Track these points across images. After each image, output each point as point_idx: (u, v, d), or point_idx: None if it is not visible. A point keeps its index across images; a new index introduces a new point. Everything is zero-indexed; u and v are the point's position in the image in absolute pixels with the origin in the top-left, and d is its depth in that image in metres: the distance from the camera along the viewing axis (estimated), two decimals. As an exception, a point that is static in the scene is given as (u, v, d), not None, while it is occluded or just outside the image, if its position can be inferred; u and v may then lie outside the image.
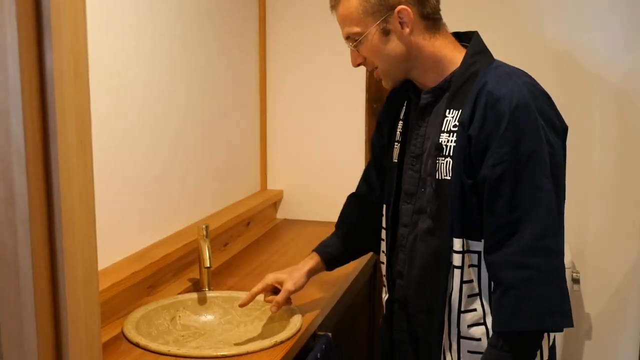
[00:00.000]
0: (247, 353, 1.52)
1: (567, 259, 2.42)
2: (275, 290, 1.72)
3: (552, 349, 1.49)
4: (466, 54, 1.46)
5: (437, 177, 1.45)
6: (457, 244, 1.41)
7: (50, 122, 0.73)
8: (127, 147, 1.84)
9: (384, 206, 1.65)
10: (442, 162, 1.43)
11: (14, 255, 0.74)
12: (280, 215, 2.86)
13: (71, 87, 0.75)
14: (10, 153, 0.72)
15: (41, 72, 0.72)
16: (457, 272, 1.42)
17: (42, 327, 0.75)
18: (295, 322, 1.67)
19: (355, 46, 1.49)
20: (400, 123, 1.60)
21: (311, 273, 1.72)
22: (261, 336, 1.72)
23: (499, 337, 1.37)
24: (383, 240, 1.66)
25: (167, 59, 2.02)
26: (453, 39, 1.51)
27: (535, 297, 1.33)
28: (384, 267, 1.67)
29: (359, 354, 2.40)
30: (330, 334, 1.77)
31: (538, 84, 1.42)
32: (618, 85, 2.50)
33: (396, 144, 1.61)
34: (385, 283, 1.67)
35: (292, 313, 1.72)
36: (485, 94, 1.36)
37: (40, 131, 0.73)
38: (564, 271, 1.37)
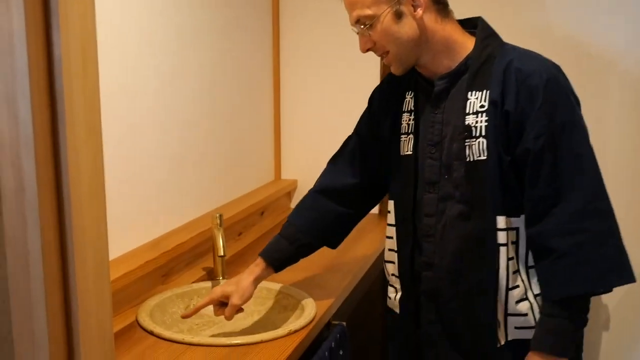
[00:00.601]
0: (261, 342, 1.52)
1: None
2: (222, 304, 1.64)
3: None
4: (477, 37, 1.48)
5: (468, 160, 1.44)
6: (501, 221, 1.43)
7: (59, 109, 0.72)
8: (141, 136, 1.83)
9: (392, 202, 1.63)
10: (473, 143, 1.43)
11: (23, 243, 0.73)
12: (295, 204, 2.84)
13: (79, 73, 0.74)
14: (18, 140, 0.71)
15: (49, 58, 0.71)
16: (503, 250, 1.44)
17: (53, 315, 0.75)
18: (310, 311, 1.66)
19: (364, 31, 1.46)
20: (407, 115, 1.58)
21: (258, 281, 1.66)
22: (275, 325, 1.71)
23: (553, 305, 1.40)
24: (390, 237, 1.64)
25: (180, 47, 2.01)
26: (458, 24, 1.52)
27: (591, 260, 1.36)
28: (393, 266, 1.65)
29: (374, 344, 2.39)
30: (344, 324, 1.77)
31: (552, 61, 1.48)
32: (634, 72, 2.45)
33: (404, 136, 1.58)
34: (399, 281, 1.64)
35: (307, 302, 1.72)
36: (514, 71, 1.40)
37: (48, 118, 0.72)
38: (618, 229, 1.39)
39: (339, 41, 2.64)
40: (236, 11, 2.38)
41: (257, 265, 1.67)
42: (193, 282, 1.89)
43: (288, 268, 1.73)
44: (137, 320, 1.62)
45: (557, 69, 1.44)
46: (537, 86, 1.37)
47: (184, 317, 1.66)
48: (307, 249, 1.73)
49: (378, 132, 1.67)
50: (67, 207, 0.74)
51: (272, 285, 1.84)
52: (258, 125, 2.63)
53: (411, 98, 1.58)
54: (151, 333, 1.56)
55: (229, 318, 1.62)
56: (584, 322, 1.42)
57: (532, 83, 1.38)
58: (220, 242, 1.87)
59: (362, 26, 1.46)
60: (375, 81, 2.65)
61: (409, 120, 1.57)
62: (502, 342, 1.49)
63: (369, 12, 1.44)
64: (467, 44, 1.48)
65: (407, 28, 1.44)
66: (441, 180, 1.50)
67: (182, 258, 1.94)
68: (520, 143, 1.39)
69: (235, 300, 1.61)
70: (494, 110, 1.40)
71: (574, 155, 1.38)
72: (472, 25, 1.52)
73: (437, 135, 1.50)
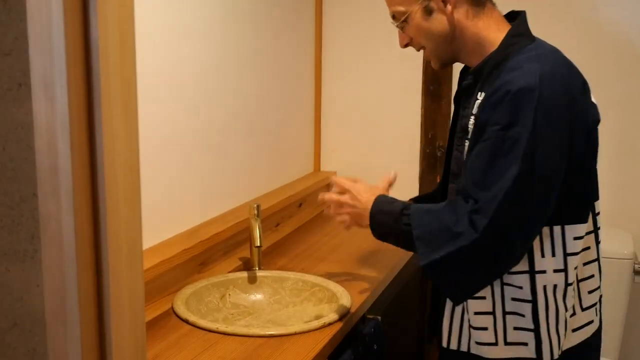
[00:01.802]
0: (295, 333, 1.52)
1: (629, 250, 2.33)
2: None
3: (574, 352, 1.45)
4: (506, 35, 1.42)
5: (465, 158, 1.44)
6: None
7: (95, 92, 0.72)
8: (180, 124, 1.84)
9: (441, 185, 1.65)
10: (466, 144, 1.43)
11: (57, 226, 0.73)
12: (333, 197, 2.83)
13: (117, 56, 0.74)
14: (54, 123, 0.71)
15: (86, 41, 0.71)
16: None
17: (85, 298, 0.75)
18: (345, 305, 1.65)
19: (400, 26, 1.48)
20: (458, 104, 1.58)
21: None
22: (310, 317, 1.70)
23: (407, 212, 1.41)
24: None
25: (221, 37, 2.02)
26: (501, 19, 1.46)
27: (436, 226, 1.35)
28: None
29: (408, 340, 2.37)
30: (379, 318, 1.75)
31: (565, 73, 1.35)
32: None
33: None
34: None
35: (342, 295, 1.71)
36: (501, 77, 1.34)
37: (84, 101, 0.72)
38: (478, 252, 1.32)
39: (382, 34, 2.62)
40: (279, 1, 2.37)
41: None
42: (229, 272, 1.89)
43: (324, 261, 1.73)
44: (172, 309, 1.63)
45: (546, 81, 1.30)
46: (504, 95, 1.30)
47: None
48: None
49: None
50: (102, 190, 0.74)
51: (308, 278, 1.83)
52: (298, 117, 2.63)
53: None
54: (186, 321, 1.57)
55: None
56: (400, 242, 1.44)
57: (502, 91, 1.31)
58: (257, 233, 1.87)
59: (397, 22, 1.48)
60: (418, 75, 2.63)
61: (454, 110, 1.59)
62: (446, 346, 1.48)
63: (401, 8, 1.46)
64: (497, 41, 1.43)
65: (437, 24, 1.44)
66: (462, 173, 1.49)
67: (219, 247, 1.95)
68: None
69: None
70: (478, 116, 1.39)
71: (498, 170, 1.30)
72: (515, 18, 1.48)
73: (462, 130, 1.49)
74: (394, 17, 1.49)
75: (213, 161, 2.02)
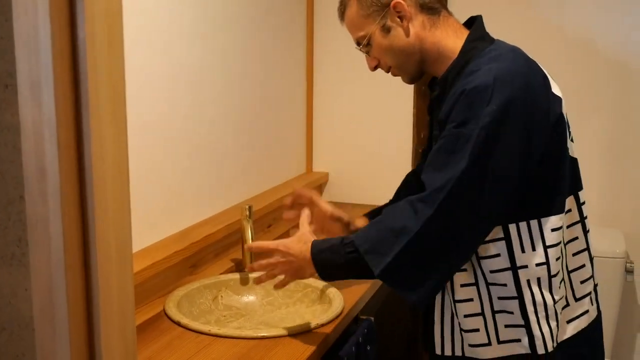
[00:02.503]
0: (288, 335, 1.51)
1: (621, 249, 2.33)
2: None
3: (566, 348, 1.43)
4: (465, 41, 1.44)
5: None
6: None
7: (82, 93, 0.71)
8: (171, 126, 1.83)
9: None
10: None
11: (45, 228, 0.72)
12: (326, 197, 2.83)
13: (104, 56, 0.73)
14: (41, 124, 0.70)
15: (73, 42, 0.70)
16: None
17: (74, 302, 0.74)
18: (337, 306, 1.64)
19: (365, 50, 1.52)
20: None
21: (352, 225, 1.71)
22: (302, 318, 1.70)
23: (349, 239, 1.43)
24: None
25: (212, 38, 2.01)
26: (458, 26, 1.48)
27: (380, 231, 1.37)
28: None
29: (401, 340, 2.36)
30: (372, 318, 1.75)
31: (523, 71, 1.35)
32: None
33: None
34: None
35: (335, 296, 1.70)
36: (460, 82, 1.36)
37: (72, 102, 0.71)
38: (418, 239, 1.32)
39: (373, 33, 2.61)
40: (270, 5, 2.36)
41: (363, 221, 1.73)
42: (221, 274, 1.89)
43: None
44: (164, 311, 1.62)
45: (503, 79, 1.30)
46: (460, 95, 1.32)
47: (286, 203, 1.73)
48: None
49: None
50: (90, 193, 0.73)
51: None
52: (290, 118, 2.62)
53: None
54: (178, 324, 1.56)
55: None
56: (348, 270, 1.43)
57: (457, 92, 1.33)
58: (249, 234, 1.86)
59: (361, 47, 1.52)
60: (409, 74, 2.62)
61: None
62: (440, 353, 1.47)
63: (361, 32, 1.50)
64: (457, 48, 1.44)
65: (397, 40, 1.46)
66: None
67: (211, 249, 1.94)
68: None
69: (325, 205, 1.71)
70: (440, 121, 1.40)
71: (448, 167, 1.31)
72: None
73: (435, 140, 1.50)
74: (358, 43, 1.52)
75: (204, 163, 2.01)
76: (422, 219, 1.31)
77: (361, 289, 1.78)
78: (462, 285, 1.40)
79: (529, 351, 1.38)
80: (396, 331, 2.25)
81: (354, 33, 1.52)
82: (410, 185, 1.79)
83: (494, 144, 1.29)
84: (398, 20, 1.45)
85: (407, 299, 1.37)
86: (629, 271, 2.37)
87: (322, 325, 1.55)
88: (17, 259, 0.77)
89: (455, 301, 1.41)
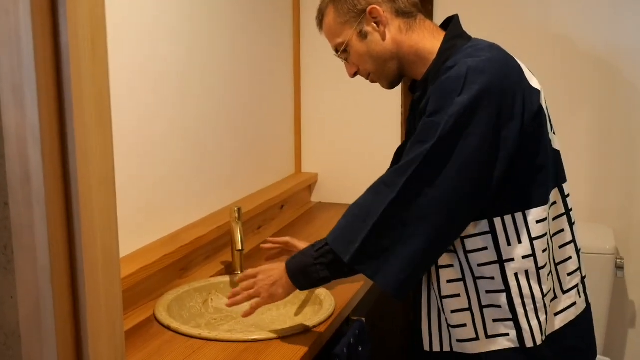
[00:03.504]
0: (279, 337, 1.50)
1: (611, 245, 2.34)
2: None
3: (554, 341, 1.43)
4: (443, 41, 1.45)
5: None
6: None
7: (66, 98, 0.70)
8: (157, 128, 1.82)
9: None
10: None
11: (30, 235, 0.71)
12: (315, 198, 2.83)
13: (88, 60, 0.72)
14: (24, 129, 0.69)
15: (56, 44, 0.69)
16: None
17: (60, 308, 0.73)
18: (328, 307, 1.63)
19: (344, 57, 1.54)
20: None
21: None
22: (293, 321, 1.69)
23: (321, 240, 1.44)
24: None
25: (199, 39, 1.99)
26: (434, 28, 1.49)
27: (346, 221, 1.40)
28: None
29: (393, 340, 2.36)
30: (364, 319, 1.74)
31: (498, 64, 1.35)
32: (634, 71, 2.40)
33: None
34: None
35: (326, 297, 1.69)
36: (439, 78, 1.36)
37: (55, 107, 0.70)
38: (383, 221, 1.34)
39: (360, 33, 2.61)
40: (256, 2, 2.35)
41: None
42: (211, 277, 1.87)
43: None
44: (154, 315, 1.61)
45: (477, 70, 1.31)
46: (436, 87, 1.34)
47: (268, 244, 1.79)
48: None
49: None
50: (75, 198, 0.72)
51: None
52: (278, 118, 2.61)
53: None
54: (168, 328, 1.54)
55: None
56: (323, 267, 1.42)
57: (436, 84, 1.35)
58: (239, 236, 1.85)
59: (339, 54, 1.54)
60: (397, 74, 2.62)
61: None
62: (429, 349, 1.47)
63: (339, 39, 1.52)
64: (435, 49, 1.45)
65: (374, 45, 1.48)
66: None
67: (200, 252, 1.93)
68: None
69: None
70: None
71: (413, 153, 1.32)
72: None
73: None
74: (336, 50, 1.54)
75: (193, 165, 2.00)
76: (386, 200, 1.33)
77: (352, 290, 1.77)
78: (448, 281, 1.41)
79: (517, 345, 1.39)
80: (388, 332, 2.25)
81: (332, 40, 1.55)
82: None
83: (461, 129, 1.30)
84: (374, 25, 1.47)
85: (382, 286, 1.37)
86: (619, 267, 2.38)
87: (314, 327, 1.55)
88: (2, 266, 0.76)
89: (441, 297, 1.42)
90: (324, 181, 2.81)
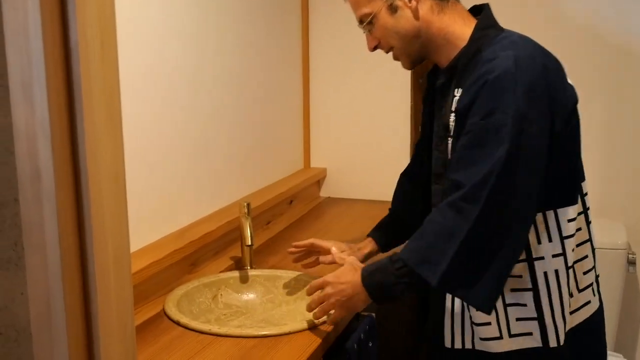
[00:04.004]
0: (289, 333, 1.50)
1: (623, 240, 2.32)
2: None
3: (571, 340, 1.42)
4: (474, 29, 1.42)
5: (449, 158, 1.42)
6: None
7: (76, 95, 0.70)
8: (167, 124, 1.81)
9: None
10: (449, 142, 1.41)
11: (40, 233, 0.71)
12: (324, 193, 2.82)
13: (97, 57, 0.71)
14: (34, 126, 0.69)
15: (65, 40, 0.69)
16: None
17: (71, 306, 0.72)
18: (338, 302, 1.63)
19: (368, 29, 1.49)
20: (435, 104, 1.57)
21: (369, 256, 1.72)
22: (303, 316, 1.68)
23: (395, 255, 1.38)
24: None
25: (208, 35, 1.99)
26: (465, 13, 1.46)
27: (427, 242, 1.33)
28: None
29: (404, 336, 2.35)
30: (374, 315, 1.74)
31: (539, 56, 1.33)
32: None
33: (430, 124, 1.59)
34: None
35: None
36: (478, 71, 1.33)
37: (65, 104, 0.70)
38: (469, 239, 1.28)
39: (369, 27, 2.60)
40: (265, 1, 2.35)
41: (370, 242, 1.74)
42: (220, 272, 1.87)
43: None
44: (164, 310, 1.61)
45: (521, 66, 1.29)
46: (482, 86, 1.29)
47: (294, 246, 1.75)
48: (409, 229, 1.73)
49: (425, 121, 1.67)
50: (85, 195, 0.71)
51: (300, 276, 1.81)
52: (287, 113, 2.61)
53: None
54: (178, 323, 1.54)
55: (326, 261, 1.68)
56: (403, 287, 1.36)
57: (480, 83, 1.30)
58: (248, 231, 1.85)
59: (363, 25, 1.49)
60: (405, 71, 2.59)
61: (430, 110, 1.58)
62: (450, 346, 1.46)
63: (366, 10, 1.47)
64: (465, 35, 1.42)
65: (404, 21, 1.44)
66: (444, 174, 1.48)
67: (210, 247, 1.93)
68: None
69: (346, 255, 1.65)
70: (458, 112, 1.37)
71: (482, 160, 1.27)
72: (480, 12, 1.48)
73: (444, 129, 1.48)
74: (361, 21, 1.49)
75: (202, 160, 2.00)
76: (470, 217, 1.26)
77: (362, 285, 1.77)
78: None
79: (540, 344, 1.37)
80: (398, 327, 2.25)
81: (358, 10, 1.49)
82: (405, 190, 1.78)
83: (526, 128, 1.26)
84: (406, 0, 1.42)
85: (472, 303, 1.32)
86: (631, 262, 2.37)
87: (324, 322, 1.54)
88: (13, 262, 0.76)
89: None
90: (332, 176, 2.80)
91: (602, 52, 2.43)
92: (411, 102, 2.62)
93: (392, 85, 2.64)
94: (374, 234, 1.76)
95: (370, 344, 1.67)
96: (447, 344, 1.45)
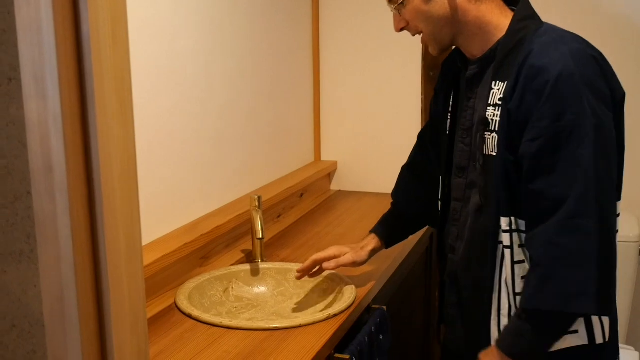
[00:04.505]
0: (300, 326, 1.50)
1: (635, 233, 2.31)
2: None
3: (613, 325, 1.40)
4: (512, 20, 1.37)
5: (484, 153, 1.39)
6: (505, 222, 1.35)
7: (88, 87, 0.70)
8: (179, 118, 1.82)
9: (441, 178, 1.61)
10: (489, 137, 1.37)
11: (53, 225, 0.71)
12: (335, 186, 2.82)
13: (109, 50, 0.71)
14: (47, 119, 0.69)
15: (77, 33, 0.69)
16: (507, 252, 1.35)
17: (84, 297, 0.73)
18: (350, 295, 1.63)
19: (397, 9, 1.43)
20: (453, 94, 1.55)
21: (373, 252, 1.70)
22: (314, 309, 1.69)
23: (523, 311, 1.32)
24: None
25: (219, 28, 1.99)
26: (501, 3, 1.42)
27: (560, 278, 1.25)
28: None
29: (415, 328, 2.35)
30: (385, 308, 1.74)
31: (589, 50, 1.31)
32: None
33: (449, 115, 1.55)
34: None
35: (347, 286, 1.69)
36: (528, 66, 1.28)
37: (77, 97, 0.70)
38: (598, 253, 1.24)
39: (380, 22, 2.59)
40: (274, -10, 2.34)
41: (373, 239, 1.71)
42: (232, 265, 1.88)
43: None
44: (175, 303, 1.62)
45: (579, 63, 1.26)
46: (544, 85, 1.25)
47: (299, 272, 1.69)
48: (412, 224, 1.77)
49: (438, 109, 1.63)
50: (98, 188, 0.72)
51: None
52: (298, 107, 2.60)
53: (461, 77, 1.54)
54: (189, 316, 1.55)
55: (334, 266, 1.65)
56: (551, 337, 1.33)
57: (541, 81, 1.26)
58: (259, 225, 1.85)
59: (394, 5, 1.44)
60: (417, 61, 2.60)
61: (453, 100, 1.55)
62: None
63: None
64: (502, 25, 1.38)
65: (438, 7, 1.39)
66: (469, 167, 1.46)
67: (221, 240, 1.93)
68: (521, 145, 1.30)
69: (350, 257, 1.65)
70: (505, 106, 1.32)
71: (572, 164, 1.24)
72: (516, 3, 1.43)
73: (469, 121, 1.45)
74: (390, 0, 1.44)
75: (213, 153, 2.00)
76: (595, 235, 1.23)
77: (373, 278, 1.77)
78: (523, 278, 1.35)
79: (586, 342, 1.34)
80: (409, 320, 2.25)
81: None
82: (408, 183, 1.75)
83: (600, 125, 1.25)
84: None
85: (609, 314, 1.31)
86: (643, 256, 2.35)
87: (335, 315, 1.54)
88: (26, 255, 0.77)
89: (515, 294, 1.36)
90: (343, 169, 2.80)
91: (615, 41, 2.41)
92: (422, 94, 2.61)
93: (403, 78, 2.63)
94: (377, 229, 1.74)
95: (381, 337, 1.67)
96: (494, 344, 1.40)
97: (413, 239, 2.12)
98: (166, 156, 1.77)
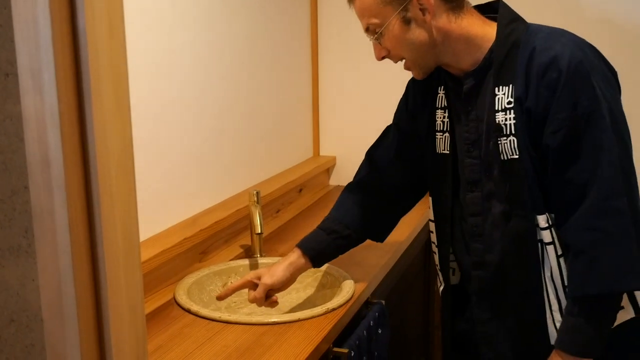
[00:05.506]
0: (299, 320, 1.50)
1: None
2: (256, 287, 1.59)
3: None
4: (499, 25, 1.38)
5: (502, 159, 1.38)
6: (542, 220, 1.36)
7: (84, 81, 0.70)
8: (177, 113, 1.82)
9: (431, 199, 1.60)
10: (505, 141, 1.37)
11: (51, 220, 0.71)
12: (333, 181, 2.82)
13: (105, 45, 0.71)
14: (43, 113, 0.69)
15: (73, 28, 0.69)
16: (549, 248, 1.37)
17: (81, 292, 0.73)
18: (348, 290, 1.63)
19: (376, 39, 1.42)
20: (441, 112, 1.53)
21: (292, 266, 1.59)
22: (313, 303, 1.69)
23: (574, 303, 1.33)
24: (432, 232, 1.62)
25: (217, 23, 1.99)
26: (477, 13, 1.43)
27: (605, 260, 1.29)
28: (436, 257, 1.64)
29: (413, 323, 2.36)
30: (383, 302, 1.74)
31: (581, 38, 1.37)
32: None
33: (439, 134, 1.53)
34: (441, 275, 1.63)
35: (345, 280, 1.69)
36: (535, 63, 1.31)
37: (74, 91, 0.70)
38: (636, 230, 1.29)
39: (378, 15, 2.59)
40: (272, -15, 2.34)
41: (293, 252, 1.62)
42: (231, 260, 1.88)
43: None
44: (174, 298, 1.62)
45: (582, 50, 1.31)
46: (556, 77, 1.28)
47: (219, 298, 1.61)
48: (346, 242, 1.66)
49: (416, 128, 1.62)
50: (95, 182, 0.72)
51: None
52: (296, 102, 2.60)
53: (444, 94, 1.52)
54: (188, 311, 1.55)
55: (259, 298, 1.55)
56: (606, 321, 1.34)
57: (553, 74, 1.28)
58: (258, 220, 1.85)
59: (372, 35, 1.43)
60: (415, 55, 2.59)
61: (444, 117, 1.52)
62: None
63: (375, 20, 1.40)
64: (488, 34, 1.39)
65: (418, 34, 1.38)
66: (482, 179, 1.45)
67: (220, 235, 1.94)
68: (542, 139, 1.33)
69: (265, 279, 1.56)
70: (520, 108, 1.33)
71: (595, 149, 1.28)
72: (492, 10, 1.44)
73: (474, 134, 1.45)
74: (367, 29, 1.43)
75: (211, 148, 2.00)
76: (627, 211, 1.28)
77: (371, 273, 1.77)
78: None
79: (634, 314, 1.36)
80: (408, 314, 2.25)
81: (366, 18, 1.42)
82: (355, 203, 1.67)
83: (613, 108, 1.30)
84: (420, 13, 1.36)
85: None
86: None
87: (333, 309, 1.55)
88: (23, 249, 0.77)
89: (565, 287, 1.37)
90: (342, 164, 2.80)
91: (618, 43, 2.41)
92: (420, 89, 2.61)
93: (402, 74, 2.62)
94: (305, 245, 1.63)
95: (380, 331, 1.68)
96: (554, 342, 1.40)
97: (411, 233, 2.12)
98: (165, 151, 1.77)
